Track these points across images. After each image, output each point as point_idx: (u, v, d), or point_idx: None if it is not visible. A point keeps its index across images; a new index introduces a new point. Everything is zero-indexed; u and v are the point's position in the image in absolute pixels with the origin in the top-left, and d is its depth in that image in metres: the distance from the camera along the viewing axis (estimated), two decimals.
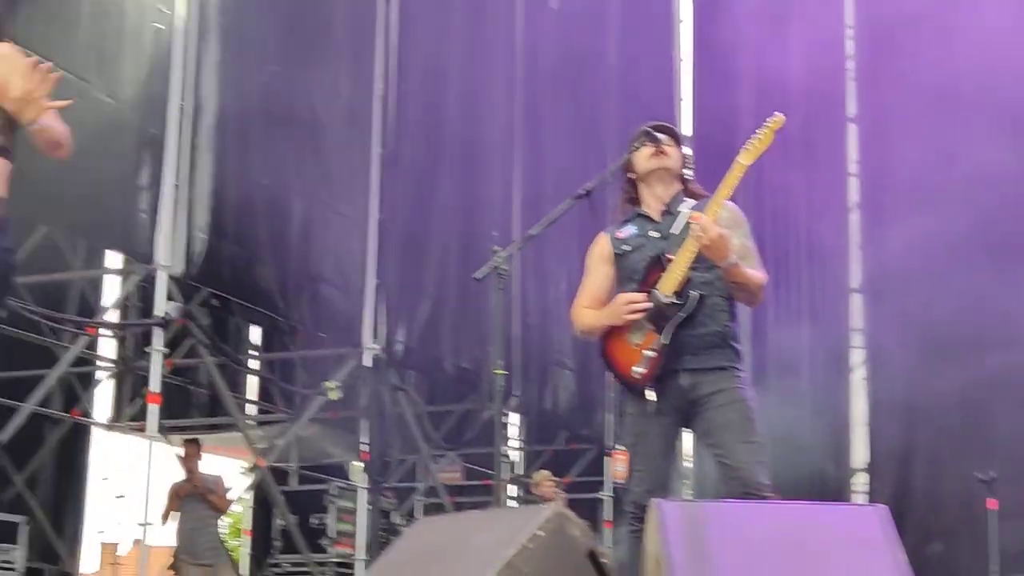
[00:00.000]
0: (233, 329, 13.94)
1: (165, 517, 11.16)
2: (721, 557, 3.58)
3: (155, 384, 9.41)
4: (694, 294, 4.75)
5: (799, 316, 15.64)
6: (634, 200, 5.05)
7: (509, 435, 15.56)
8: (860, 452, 15.91)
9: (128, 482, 13.14)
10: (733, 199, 4.85)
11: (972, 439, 14.02)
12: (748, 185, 4.95)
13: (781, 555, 3.63)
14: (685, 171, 5.05)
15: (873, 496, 15.32)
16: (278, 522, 12.24)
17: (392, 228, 11.88)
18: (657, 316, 4.76)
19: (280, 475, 12.98)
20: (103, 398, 13.72)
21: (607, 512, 15.10)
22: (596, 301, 5.00)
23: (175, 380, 12.44)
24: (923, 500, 14.87)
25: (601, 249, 5.06)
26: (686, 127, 16.14)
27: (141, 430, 11.07)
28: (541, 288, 14.35)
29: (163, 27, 9.80)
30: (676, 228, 4.88)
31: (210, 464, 12.00)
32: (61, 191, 8.68)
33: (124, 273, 11.12)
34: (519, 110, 14.19)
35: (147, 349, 9.88)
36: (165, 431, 11.38)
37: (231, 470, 16.07)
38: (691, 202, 4.94)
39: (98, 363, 13.07)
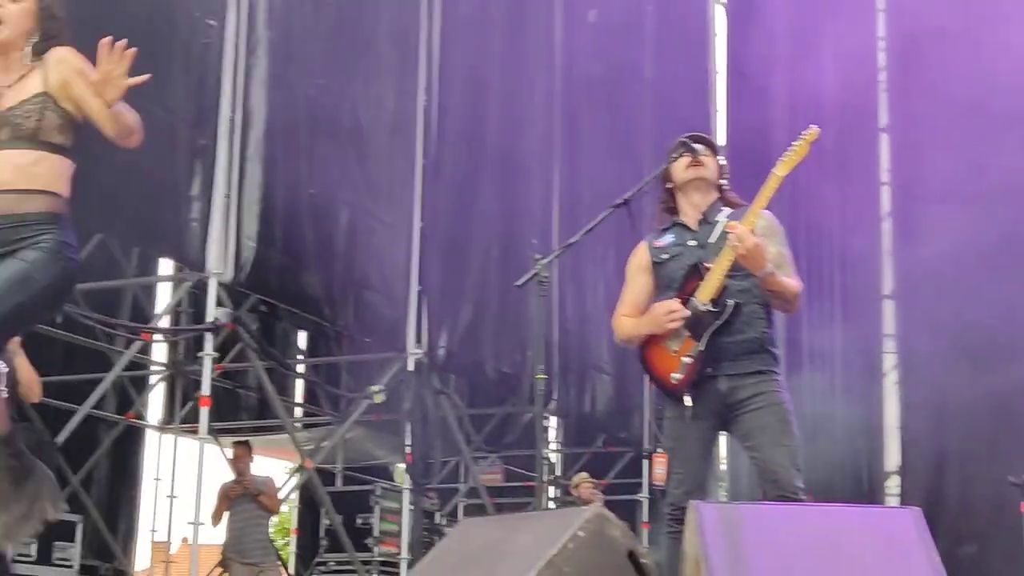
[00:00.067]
0: (281, 334, 14.18)
1: (216, 517, 11.30)
2: (757, 559, 3.58)
3: (206, 387, 9.42)
4: (730, 302, 4.80)
5: (832, 321, 15.58)
6: (672, 209, 5.10)
7: (548, 438, 15.59)
8: (893, 455, 15.79)
9: (180, 482, 13.34)
10: (769, 208, 4.92)
11: (1004, 443, 13.80)
12: (783, 195, 4.98)
13: (816, 557, 3.63)
14: (721, 181, 5.10)
15: (905, 499, 15.08)
16: (324, 522, 12.34)
17: (434, 236, 11.86)
18: (694, 323, 4.83)
19: (326, 476, 13.20)
20: (156, 401, 14.03)
21: (644, 514, 15.14)
22: (636, 310, 5.06)
23: (225, 383, 12.61)
24: (955, 503, 14.66)
25: (640, 259, 5.12)
26: (721, 140, 15.88)
27: (192, 432, 11.36)
28: (579, 294, 14.39)
29: (213, 41, 9.86)
30: (713, 237, 4.92)
31: (259, 465, 12.08)
32: (115, 200, 8.80)
33: (176, 280, 11.15)
34: (557, 121, 14.18)
35: (198, 354, 9.95)
36: (215, 433, 11.53)
37: (278, 471, 16.23)
38: (728, 211, 4.99)
39: (151, 367, 13.34)
